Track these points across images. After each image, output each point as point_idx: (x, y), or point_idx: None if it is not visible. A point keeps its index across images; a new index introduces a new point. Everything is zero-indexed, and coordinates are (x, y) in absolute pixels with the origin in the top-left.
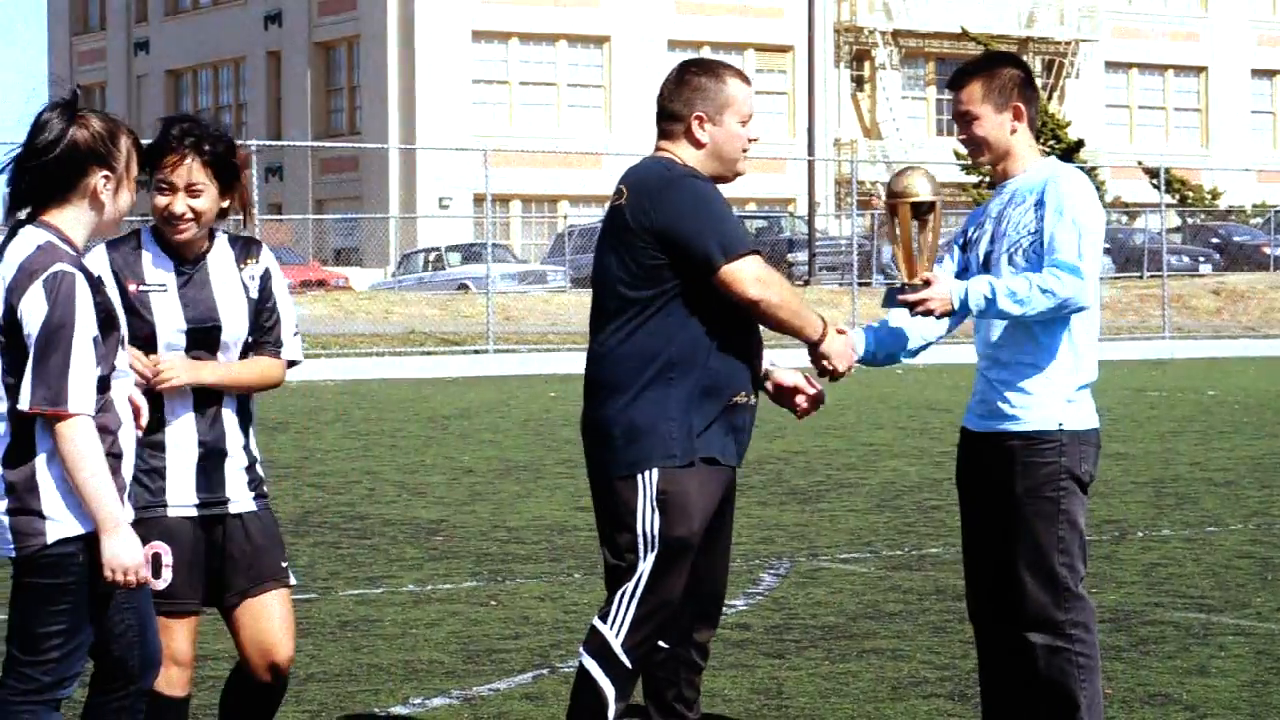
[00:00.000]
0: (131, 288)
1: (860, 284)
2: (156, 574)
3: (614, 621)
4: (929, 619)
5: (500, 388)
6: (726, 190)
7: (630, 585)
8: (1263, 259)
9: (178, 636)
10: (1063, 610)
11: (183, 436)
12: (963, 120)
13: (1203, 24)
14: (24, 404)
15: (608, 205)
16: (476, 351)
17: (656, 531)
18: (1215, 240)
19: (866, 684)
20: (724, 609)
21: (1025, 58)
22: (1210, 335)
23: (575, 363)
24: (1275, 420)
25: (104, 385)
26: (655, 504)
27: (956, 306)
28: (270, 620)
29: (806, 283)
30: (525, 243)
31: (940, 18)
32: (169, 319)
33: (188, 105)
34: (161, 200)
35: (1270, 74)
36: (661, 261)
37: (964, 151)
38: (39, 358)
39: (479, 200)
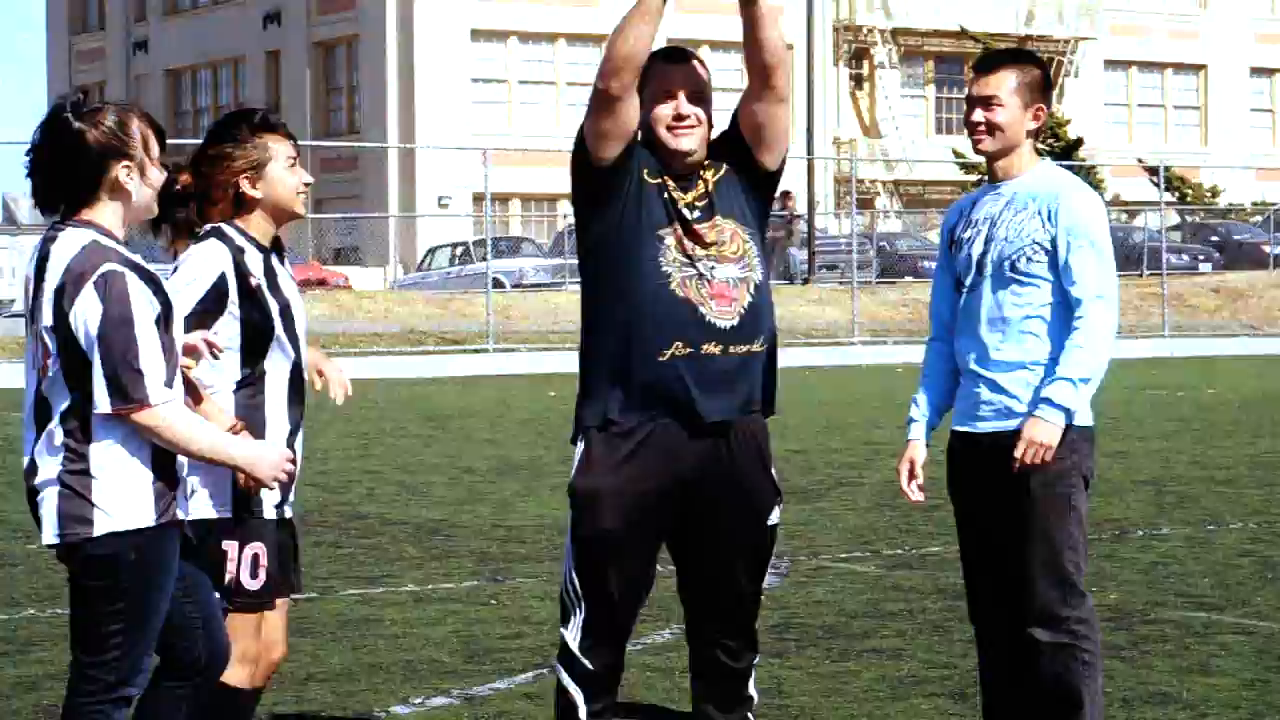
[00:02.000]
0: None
1: (860, 283)
2: (254, 575)
3: (570, 626)
4: (929, 618)
5: (500, 387)
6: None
7: (568, 590)
8: (1262, 257)
9: (256, 636)
10: (1069, 607)
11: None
12: (984, 103)
13: (1202, 22)
14: (103, 407)
15: None
16: (476, 351)
17: (569, 534)
18: (1215, 238)
19: (867, 683)
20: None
21: None
22: (1210, 334)
23: (573, 362)
24: (1275, 419)
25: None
26: (570, 503)
27: (1062, 425)
28: (282, 626)
29: (806, 281)
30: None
31: (939, 16)
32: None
33: (187, 105)
34: (295, 178)
35: (1269, 72)
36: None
37: (963, 150)
38: (105, 358)
39: (478, 199)
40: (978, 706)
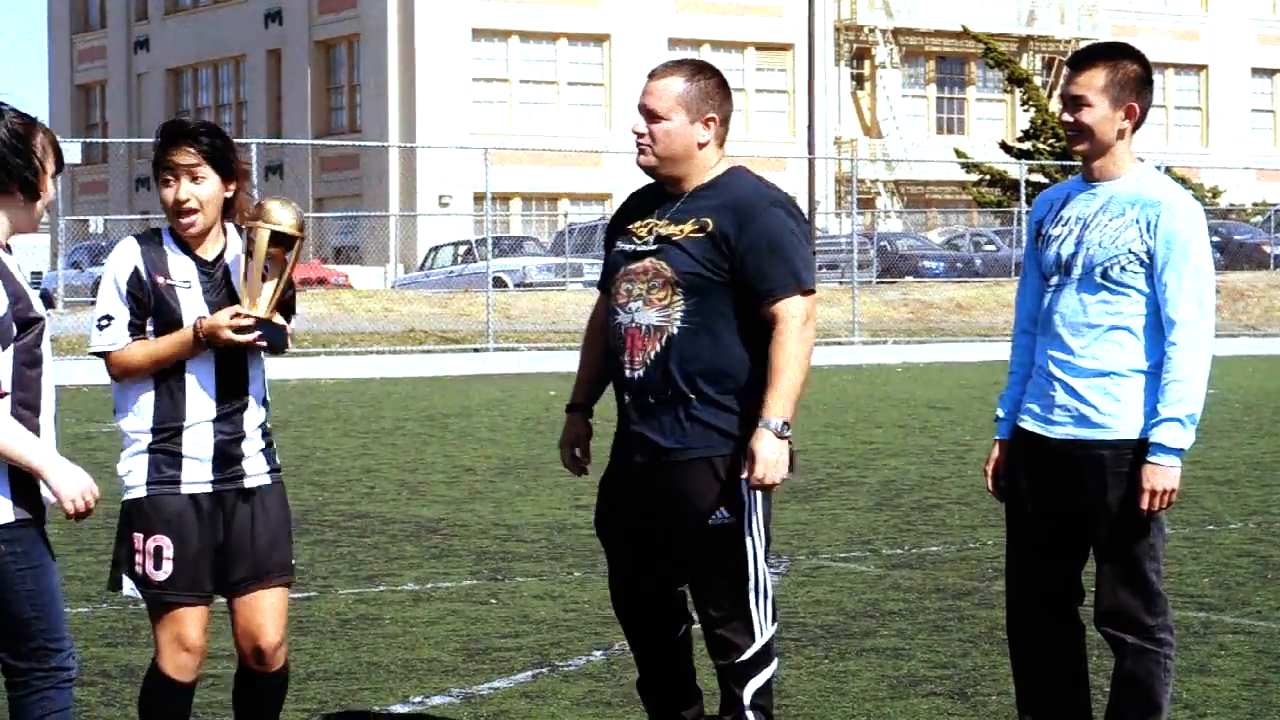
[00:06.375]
0: (160, 280)
1: (860, 283)
2: (159, 566)
3: None
4: (929, 618)
5: (500, 386)
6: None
7: None
8: (1263, 258)
9: (188, 623)
10: (1152, 615)
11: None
12: (1073, 103)
13: (1203, 22)
14: None
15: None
16: (476, 350)
17: None
18: (1215, 239)
19: (866, 683)
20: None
21: (1025, 56)
22: None
23: (574, 361)
24: (1275, 419)
25: (30, 367)
26: None
27: (1178, 466)
28: (263, 611)
29: None
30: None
31: (940, 16)
32: (193, 314)
33: (188, 103)
34: (168, 192)
35: (1270, 72)
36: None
37: (964, 150)
38: None
39: (479, 199)
40: (977, 705)
